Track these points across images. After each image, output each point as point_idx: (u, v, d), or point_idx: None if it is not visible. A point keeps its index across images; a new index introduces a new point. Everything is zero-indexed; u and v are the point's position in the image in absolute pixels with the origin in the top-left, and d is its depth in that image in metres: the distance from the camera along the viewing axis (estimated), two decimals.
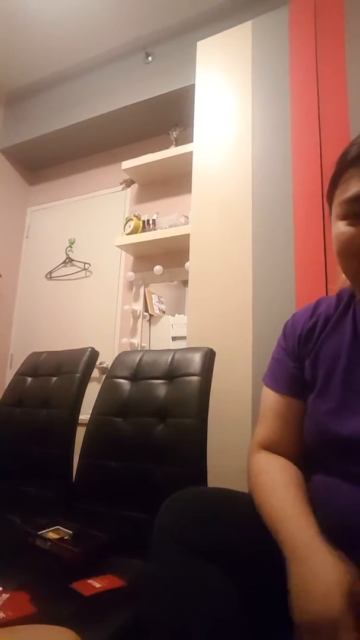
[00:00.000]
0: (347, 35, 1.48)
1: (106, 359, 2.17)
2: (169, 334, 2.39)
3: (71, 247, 2.77)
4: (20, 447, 1.47)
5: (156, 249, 2.32)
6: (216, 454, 1.19)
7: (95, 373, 1.88)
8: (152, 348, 2.36)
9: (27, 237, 3.03)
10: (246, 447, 0.80)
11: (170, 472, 1.15)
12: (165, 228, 2.21)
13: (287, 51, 1.59)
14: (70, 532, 1.08)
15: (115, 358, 1.49)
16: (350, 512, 0.59)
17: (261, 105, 1.61)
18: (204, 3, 2.23)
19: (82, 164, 2.94)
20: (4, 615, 0.71)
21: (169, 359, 1.34)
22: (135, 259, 2.51)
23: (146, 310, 2.44)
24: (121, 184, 2.61)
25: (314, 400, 0.71)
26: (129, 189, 2.64)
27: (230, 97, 1.70)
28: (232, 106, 1.68)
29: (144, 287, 2.46)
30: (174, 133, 2.37)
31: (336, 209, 0.67)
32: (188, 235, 1.69)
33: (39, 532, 1.06)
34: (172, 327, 2.40)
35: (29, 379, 1.64)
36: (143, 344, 2.38)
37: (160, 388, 1.30)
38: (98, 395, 1.41)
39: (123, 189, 2.64)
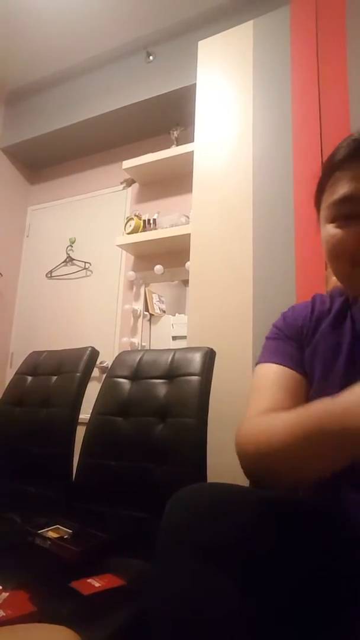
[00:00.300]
0: (348, 35, 1.48)
1: (106, 358, 2.17)
2: (170, 334, 2.39)
3: (72, 246, 2.77)
4: (20, 446, 1.47)
5: (157, 248, 2.32)
6: (216, 453, 1.19)
7: (96, 372, 1.88)
8: (152, 347, 2.36)
9: (27, 236, 3.03)
10: None
11: (170, 472, 1.15)
12: (166, 228, 2.21)
13: (288, 51, 1.59)
14: (70, 531, 1.08)
15: (116, 357, 1.49)
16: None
17: (262, 105, 1.61)
18: (205, 3, 2.23)
19: (83, 163, 2.94)
20: (4, 614, 0.71)
21: (169, 359, 1.34)
22: (135, 258, 2.51)
23: (146, 309, 2.44)
24: (122, 183, 2.61)
25: (311, 397, 0.71)
26: (129, 189, 2.64)
27: (231, 97, 1.69)
28: (233, 106, 1.68)
29: (145, 287, 2.46)
30: (174, 133, 2.37)
31: (324, 212, 0.68)
32: (189, 234, 1.69)
33: (39, 531, 1.06)
34: (173, 327, 2.40)
35: (29, 378, 1.64)
36: (143, 344, 2.38)
37: (161, 388, 1.30)
38: (98, 395, 1.41)
39: (124, 189, 2.64)
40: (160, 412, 1.25)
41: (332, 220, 0.65)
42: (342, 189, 0.64)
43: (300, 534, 0.61)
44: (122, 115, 2.52)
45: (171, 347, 1.50)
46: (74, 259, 2.73)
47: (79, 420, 1.44)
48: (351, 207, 0.63)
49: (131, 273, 2.45)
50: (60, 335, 2.60)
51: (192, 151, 1.77)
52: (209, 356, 1.29)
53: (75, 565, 0.93)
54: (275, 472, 0.60)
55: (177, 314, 2.44)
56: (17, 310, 2.91)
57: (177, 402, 1.24)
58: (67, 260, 2.75)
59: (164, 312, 2.50)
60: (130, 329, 2.42)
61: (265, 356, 0.78)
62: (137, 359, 1.41)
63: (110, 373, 1.44)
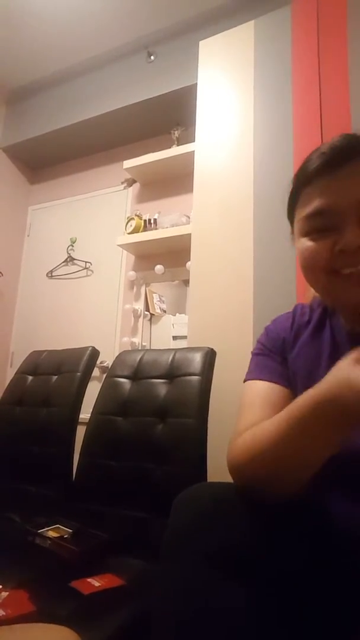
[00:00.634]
0: (349, 35, 1.48)
1: (107, 358, 2.17)
2: (170, 334, 2.39)
3: (72, 246, 2.77)
4: (20, 446, 1.47)
5: (157, 248, 2.32)
6: (216, 453, 1.19)
7: (96, 372, 1.88)
8: (152, 347, 2.36)
9: (28, 236, 3.03)
10: None
11: (170, 472, 1.15)
12: (167, 227, 2.21)
13: (290, 51, 1.59)
14: (70, 530, 1.08)
15: (116, 357, 1.49)
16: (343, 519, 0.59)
17: (263, 105, 1.61)
18: (207, 2, 2.22)
19: (83, 163, 2.94)
20: (4, 613, 0.71)
21: (170, 359, 1.34)
22: (136, 258, 2.51)
23: (147, 309, 2.44)
24: (123, 183, 2.61)
25: None
26: (130, 188, 2.64)
27: (232, 97, 1.69)
28: (234, 106, 1.68)
29: (145, 287, 2.46)
30: (175, 132, 2.37)
31: (298, 225, 0.68)
32: (189, 234, 1.69)
33: (39, 531, 1.07)
34: (173, 327, 2.40)
35: (30, 378, 1.64)
36: (144, 343, 2.38)
37: (161, 387, 1.30)
38: (98, 395, 1.41)
39: (125, 188, 2.64)
40: (161, 412, 1.25)
41: (305, 234, 0.66)
42: (312, 203, 0.65)
43: (301, 533, 0.61)
44: (123, 115, 2.52)
45: (172, 347, 1.50)
46: (74, 259, 2.73)
47: (79, 420, 1.44)
48: (322, 221, 0.64)
49: (132, 273, 2.45)
50: (61, 334, 2.60)
51: (193, 151, 1.76)
52: (210, 356, 1.29)
53: (75, 564, 0.94)
54: (270, 478, 0.60)
55: (177, 314, 2.44)
56: (18, 310, 2.91)
57: (178, 402, 1.24)
58: (68, 259, 2.75)
59: (165, 312, 2.50)
60: (131, 328, 2.42)
61: (252, 373, 0.79)
62: (138, 358, 1.42)
63: (111, 373, 1.44)
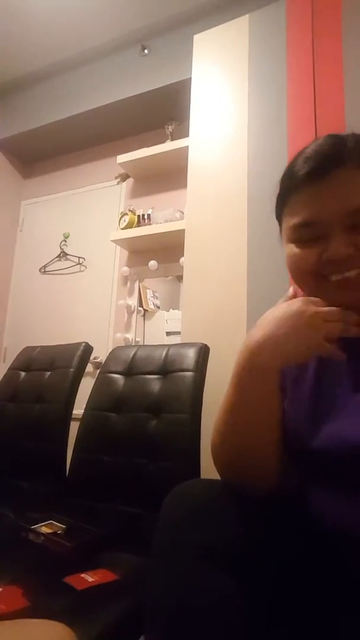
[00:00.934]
0: (343, 29, 1.48)
1: (100, 353, 2.17)
2: (164, 329, 2.39)
3: (65, 241, 2.75)
4: (13, 442, 1.46)
5: (151, 243, 2.32)
6: (209, 449, 1.20)
7: (89, 368, 1.88)
8: (146, 343, 2.36)
9: (21, 231, 3.01)
10: None
11: (164, 467, 1.15)
12: (160, 223, 2.20)
13: (284, 45, 1.58)
14: (64, 526, 1.08)
15: (110, 353, 1.48)
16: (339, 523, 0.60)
17: (257, 99, 1.60)
18: None
19: (77, 157, 2.92)
20: None
21: (163, 354, 1.34)
22: (130, 253, 2.50)
23: (140, 305, 2.43)
24: (116, 178, 2.59)
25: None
26: (124, 183, 2.63)
27: (227, 92, 1.69)
28: (228, 100, 1.67)
29: (139, 282, 2.45)
30: (169, 127, 2.35)
31: (286, 232, 0.69)
32: (183, 230, 1.69)
33: (32, 527, 1.06)
34: (167, 323, 2.40)
35: (23, 374, 1.63)
36: (137, 339, 2.38)
37: (154, 383, 1.30)
38: (92, 390, 1.41)
39: (118, 183, 2.63)
40: (154, 407, 1.25)
41: (293, 241, 0.68)
42: (299, 213, 0.65)
43: (290, 528, 0.62)
44: (117, 109, 2.50)
45: (165, 343, 1.50)
46: (67, 254, 2.72)
47: (73, 416, 1.44)
48: (309, 231, 0.65)
49: (125, 268, 2.44)
50: (54, 330, 2.59)
51: (187, 146, 1.76)
52: (203, 352, 1.29)
53: (68, 560, 0.93)
54: (237, 454, 0.66)
55: (171, 310, 2.44)
56: (11, 305, 2.89)
57: (171, 398, 1.24)
58: (61, 255, 2.73)
59: (158, 307, 2.49)
60: (124, 324, 2.41)
61: None
62: (131, 354, 1.41)
63: (104, 368, 1.44)
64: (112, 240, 2.38)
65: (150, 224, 2.25)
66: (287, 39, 1.58)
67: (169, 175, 2.41)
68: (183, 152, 1.86)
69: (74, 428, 1.39)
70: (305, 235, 0.65)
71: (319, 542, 0.61)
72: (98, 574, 0.86)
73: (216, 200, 1.60)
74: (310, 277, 0.66)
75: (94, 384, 1.41)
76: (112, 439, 1.27)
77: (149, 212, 2.28)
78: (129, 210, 2.35)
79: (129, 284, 2.47)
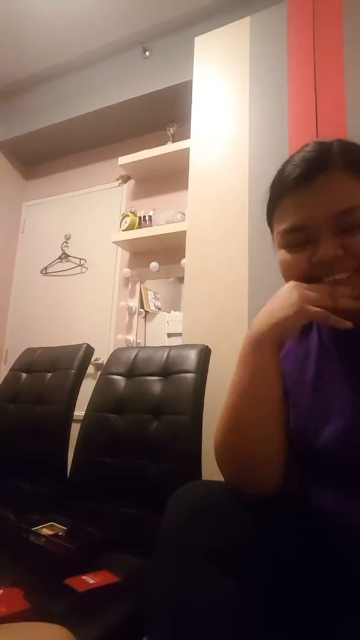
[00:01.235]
0: (345, 31, 1.48)
1: (101, 355, 2.17)
2: (165, 331, 2.39)
3: (67, 242, 2.75)
4: (14, 443, 1.46)
5: (152, 245, 2.32)
6: (211, 450, 1.19)
7: (91, 369, 1.87)
8: (147, 345, 2.36)
9: (22, 232, 3.01)
10: None
11: (165, 469, 1.15)
12: (162, 224, 2.20)
13: (285, 47, 1.58)
14: (65, 528, 1.08)
15: (111, 354, 1.48)
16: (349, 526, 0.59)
17: (259, 101, 1.60)
18: None
19: (78, 159, 2.93)
20: None
21: (165, 356, 1.34)
22: (131, 255, 2.50)
23: (142, 306, 2.43)
24: (118, 179, 2.60)
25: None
26: (125, 185, 2.63)
27: (228, 94, 1.69)
28: (229, 102, 1.68)
29: (140, 284, 2.46)
30: (171, 129, 2.36)
31: (277, 238, 0.70)
32: (184, 231, 1.69)
33: (33, 528, 1.06)
34: (168, 324, 2.40)
35: (24, 375, 1.63)
36: (138, 341, 2.37)
37: (156, 385, 1.30)
38: (93, 392, 1.40)
39: (119, 185, 2.63)
40: (155, 409, 1.25)
41: (284, 247, 0.69)
42: (288, 219, 0.66)
43: (293, 529, 0.62)
44: (118, 110, 2.50)
45: (166, 345, 1.50)
46: (69, 256, 2.72)
47: (74, 418, 1.44)
48: (298, 236, 0.66)
49: (126, 270, 2.44)
50: (55, 332, 2.59)
51: (188, 148, 1.76)
52: (204, 353, 1.29)
53: (69, 562, 0.93)
54: (242, 455, 0.64)
55: (172, 311, 2.44)
56: (12, 307, 2.90)
57: (172, 399, 1.24)
58: (62, 256, 2.74)
59: (159, 309, 2.49)
60: (126, 326, 2.41)
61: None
62: (132, 356, 1.41)
63: (105, 370, 1.43)
64: (113, 242, 2.38)
65: (151, 226, 2.25)
66: (288, 41, 1.58)
67: (170, 177, 2.41)
68: (184, 154, 1.86)
69: (75, 429, 1.39)
70: (295, 240, 0.66)
71: (321, 543, 0.61)
72: (99, 576, 0.86)
73: (217, 202, 1.60)
74: (303, 281, 0.67)
75: (95, 386, 1.41)
76: (113, 441, 1.27)
77: (150, 213, 2.28)
78: (130, 212, 2.35)
79: (130, 286, 2.47)
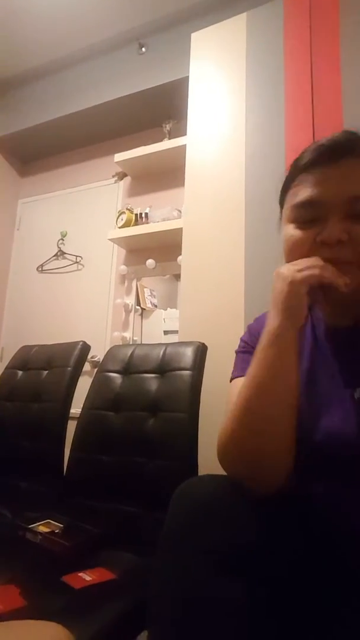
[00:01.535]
0: (341, 27, 1.48)
1: (98, 352, 2.17)
2: (161, 328, 2.39)
3: (63, 240, 2.74)
4: (11, 441, 1.46)
5: (149, 242, 2.32)
6: (207, 447, 1.19)
7: (87, 367, 1.87)
8: (144, 342, 2.35)
9: (18, 230, 3.00)
10: None
11: (162, 466, 1.15)
12: (158, 221, 2.20)
13: (282, 43, 1.58)
14: (61, 525, 1.08)
15: (107, 352, 1.48)
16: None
17: (255, 98, 1.60)
18: None
19: (74, 155, 2.92)
20: None
21: (161, 353, 1.34)
22: (127, 252, 2.50)
23: (138, 304, 2.43)
24: (114, 176, 2.59)
25: None
26: (121, 182, 2.62)
27: (224, 90, 1.68)
28: (226, 99, 1.67)
29: (136, 281, 2.45)
30: (167, 126, 2.35)
31: (286, 212, 0.70)
32: (181, 229, 1.68)
33: (30, 526, 1.06)
34: (164, 321, 2.40)
35: (20, 373, 1.63)
36: (135, 338, 2.37)
37: (152, 382, 1.30)
38: (89, 389, 1.40)
39: (116, 182, 2.63)
40: (152, 406, 1.25)
41: (292, 221, 0.68)
42: (303, 192, 0.66)
43: (296, 528, 0.61)
44: (114, 107, 2.49)
45: (163, 342, 1.50)
46: (65, 253, 2.71)
47: (70, 415, 1.44)
48: (309, 212, 0.66)
49: (123, 267, 2.44)
50: (51, 329, 2.58)
51: (185, 144, 1.75)
52: (201, 351, 1.29)
53: (66, 559, 0.93)
54: (247, 457, 0.62)
55: (168, 309, 2.44)
56: (8, 304, 2.89)
57: (169, 397, 1.24)
58: (58, 254, 2.73)
59: (156, 306, 2.49)
60: (122, 323, 2.41)
61: (238, 371, 0.79)
62: (129, 353, 1.41)
63: (102, 367, 1.43)
64: (109, 239, 2.37)
65: (147, 223, 2.25)
66: (285, 37, 1.58)
67: (166, 174, 2.41)
68: (181, 151, 1.86)
69: (71, 427, 1.39)
70: (305, 215, 0.66)
71: (321, 542, 0.61)
72: (96, 573, 0.86)
73: (214, 199, 1.60)
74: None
75: (92, 383, 1.41)
76: (109, 438, 1.27)
77: (147, 210, 2.28)
78: (127, 209, 2.34)
79: (126, 283, 2.46)
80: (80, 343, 1.54)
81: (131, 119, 2.57)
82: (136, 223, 2.29)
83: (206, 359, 1.30)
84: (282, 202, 0.74)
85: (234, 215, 1.53)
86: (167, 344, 1.37)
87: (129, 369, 1.37)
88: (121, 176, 2.57)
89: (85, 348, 1.55)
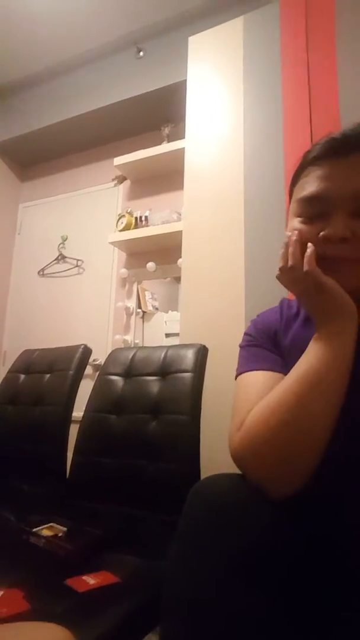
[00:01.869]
0: (337, 30, 1.48)
1: (99, 356, 2.17)
2: (162, 331, 2.39)
3: (64, 243, 2.75)
4: (13, 445, 1.46)
5: (149, 245, 2.32)
6: (209, 450, 1.20)
7: (89, 370, 1.88)
8: (145, 345, 2.36)
9: (19, 234, 3.01)
10: None
11: (164, 469, 1.15)
12: (158, 225, 2.20)
13: (279, 47, 1.59)
14: (64, 528, 1.08)
15: (109, 355, 1.48)
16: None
17: (253, 100, 1.61)
18: None
19: (74, 160, 2.93)
20: None
21: (162, 356, 1.34)
22: (128, 255, 2.51)
23: (139, 307, 2.44)
24: (113, 180, 2.60)
25: None
26: (121, 186, 2.63)
27: (222, 93, 1.69)
28: (223, 102, 1.68)
29: (137, 284, 2.46)
30: (165, 129, 2.36)
31: (293, 206, 0.70)
32: (181, 231, 1.69)
33: (33, 529, 1.06)
34: (165, 324, 2.40)
35: (22, 377, 1.63)
36: (136, 341, 2.38)
37: (154, 385, 1.30)
38: (91, 392, 1.41)
39: (115, 185, 2.63)
40: (154, 409, 1.25)
41: (299, 215, 0.68)
42: (310, 187, 0.66)
43: (313, 531, 0.60)
44: (113, 111, 2.51)
45: (164, 344, 1.50)
46: (66, 257, 2.72)
47: (72, 418, 1.44)
48: (315, 207, 0.65)
49: (123, 270, 2.45)
50: (53, 333, 2.59)
51: (184, 148, 1.76)
52: (202, 353, 1.30)
53: (69, 562, 0.94)
54: (283, 455, 0.59)
55: (169, 311, 2.44)
56: (9, 309, 2.89)
57: (170, 399, 1.24)
58: (59, 257, 2.74)
59: (157, 309, 2.50)
60: (123, 326, 2.41)
61: (244, 365, 0.76)
62: (130, 356, 1.41)
63: (103, 370, 1.44)
64: (110, 243, 2.38)
65: (147, 226, 2.25)
66: (282, 40, 1.59)
67: (165, 177, 2.42)
68: (179, 154, 1.86)
69: (73, 430, 1.39)
70: (310, 210, 0.66)
71: (326, 544, 0.60)
72: (99, 576, 0.86)
73: (213, 201, 1.60)
74: None
75: (94, 386, 1.41)
76: (111, 441, 1.27)
77: (147, 213, 2.28)
78: (127, 212, 2.35)
79: (127, 286, 2.47)
80: (82, 346, 1.55)
81: (130, 122, 2.58)
82: (136, 226, 2.30)
83: (207, 361, 1.30)
84: (291, 193, 0.74)
85: (234, 217, 1.54)
86: (168, 347, 1.37)
87: (130, 372, 1.38)
88: (121, 180, 2.58)
89: (87, 351, 1.55)
